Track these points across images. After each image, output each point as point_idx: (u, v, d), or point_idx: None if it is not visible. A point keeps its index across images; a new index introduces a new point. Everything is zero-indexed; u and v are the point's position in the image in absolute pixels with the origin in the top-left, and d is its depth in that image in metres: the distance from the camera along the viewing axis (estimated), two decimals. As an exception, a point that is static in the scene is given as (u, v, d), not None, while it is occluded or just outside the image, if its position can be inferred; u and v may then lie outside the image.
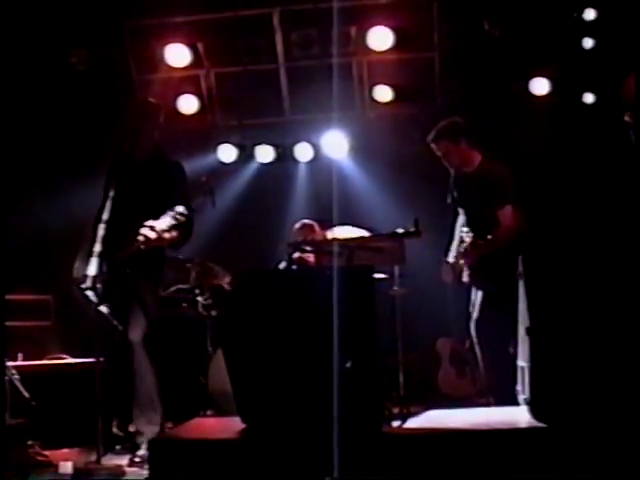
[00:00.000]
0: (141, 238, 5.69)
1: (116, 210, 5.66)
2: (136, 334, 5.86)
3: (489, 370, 6.43)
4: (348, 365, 4.50)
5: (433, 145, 6.62)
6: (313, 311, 4.53)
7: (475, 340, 6.52)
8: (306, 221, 8.22)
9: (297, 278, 5.20)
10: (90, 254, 5.49)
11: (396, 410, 5.68)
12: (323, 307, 4.40)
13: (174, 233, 5.78)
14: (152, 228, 5.68)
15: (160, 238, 5.72)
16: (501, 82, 8.76)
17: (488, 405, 6.41)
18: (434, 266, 8.12)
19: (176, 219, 5.74)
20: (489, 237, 6.38)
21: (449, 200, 6.77)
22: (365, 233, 6.36)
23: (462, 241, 6.65)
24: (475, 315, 6.50)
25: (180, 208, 5.77)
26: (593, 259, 4.86)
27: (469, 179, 6.57)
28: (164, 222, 5.72)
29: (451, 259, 6.80)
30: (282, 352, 4.72)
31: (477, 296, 6.53)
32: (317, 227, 8.06)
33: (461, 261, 6.64)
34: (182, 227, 5.81)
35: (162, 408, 5.95)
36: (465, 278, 6.63)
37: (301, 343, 4.66)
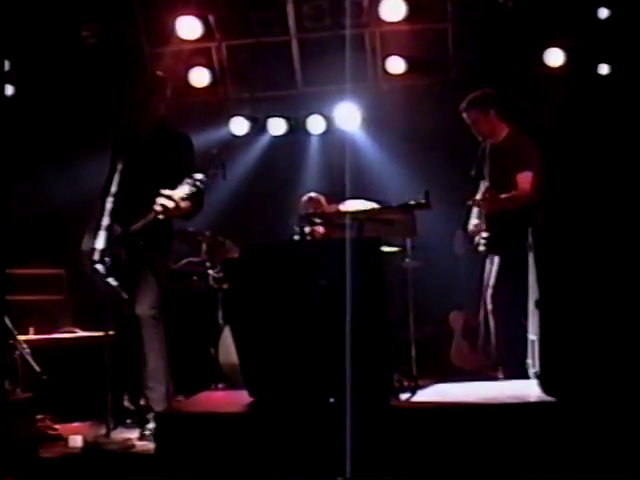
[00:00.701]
0: (159, 208, 5.68)
1: (124, 183, 5.63)
2: (144, 308, 5.85)
3: (502, 340, 6.43)
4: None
5: (464, 114, 6.77)
6: (320, 283, 4.50)
7: (490, 308, 6.52)
8: (312, 194, 8.19)
9: (304, 250, 5.18)
10: (98, 227, 5.48)
11: (407, 383, 5.67)
12: (331, 279, 4.38)
13: (188, 203, 5.76)
14: (170, 197, 5.65)
15: (178, 207, 5.69)
16: (515, 53, 8.67)
17: (500, 378, 6.39)
18: (447, 239, 8.11)
19: (195, 186, 5.70)
20: (506, 195, 6.45)
21: (473, 172, 6.83)
22: (374, 205, 6.34)
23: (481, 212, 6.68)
24: (492, 282, 6.50)
25: (199, 175, 5.73)
26: (603, 232, 4.81)
27: (495, 149, 6.69)
28: (182, 190, 5.67)
29: (471, 227, 6.76)
30: (289, 325, 4.72)
31: (493, 264, 6.56)
32: (324, 200, 8.04)
33: (478, 228, 6.63)
34: (196, 197, 5.78)
35: (173, 382, 5.95)
36: (481, 248, 6.60)
37: (309, 316, 4.64)
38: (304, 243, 6.27)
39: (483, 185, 6.72)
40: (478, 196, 6.64)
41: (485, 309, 6.66)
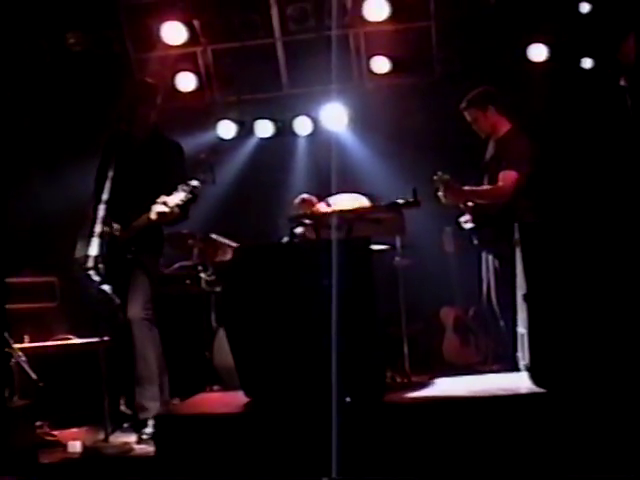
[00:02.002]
0: (153, 215, 5.74)
1: (115, 190, 5.67)
2: (136, 309, 5.91)
3: (503, 336, 6.45)
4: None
5: (464, 113, 6.80)
6: (312, 284, 4.55)
7: (496, 306, 6.55)
8: (305, 196, 8.25)
9: (295, 252, 5.23)
10: (91, 234, 5.52)
11: (400, 379, 5.73)
12: (322, 280, 4.42)
13: (179, 210, 5.81)
14: (165, 203, 5.71)
15: (172, 213, 5.76)
16: (499, 50, 8.73)
17: (493, 372, 6.45)
18: (435, 236, 8.19)
19: (191, 193, 5.77)
20: (473, 187, 6.54)
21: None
22: (363, 199, 6.39)
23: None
24: (492, 283, 6.54)
25: (194, 182, 5.79)
26: (589, 225, 4.88)
27: (493, 146, 6.74)
28: (178, 197, 5.74)
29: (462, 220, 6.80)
30: (283, 325, 4.77)
31: (489, 262, 6.58)
32: (315, 201, 8.09)
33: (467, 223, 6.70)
34: (187, 204, 5.84)
35: (168, 384, 6.00)
36: (475, 242, 6.66)
37: (301, 316, 4.69)
38: (295, 244, 6.33)
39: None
40: (440, 175, 6.58)
41: (485, 305, 6.69)
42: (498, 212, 6.30)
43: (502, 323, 6.39)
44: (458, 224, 6.80)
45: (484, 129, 6.77)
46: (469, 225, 6.62)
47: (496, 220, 6.29)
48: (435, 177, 6.52)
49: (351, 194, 6.46)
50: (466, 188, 6.54)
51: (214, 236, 7.81)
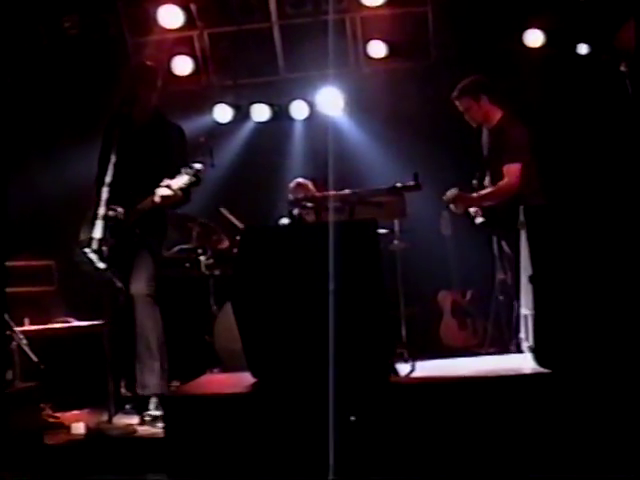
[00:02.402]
0: (157, 199, 5.76)
1: (118, 173, 5.67)
2: (139, 286, 5.97)
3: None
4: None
5: (456, 102, 6.80)
6: (319, 266, 4.56)
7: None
8: (300, 180, 8.29)
9: (303, 233, 5.25)
10: (95, 217, 5.53)
11: (400, 361, 5.75)
12: (329, 261, 4.44)
13: (181, 193, 5.84)
14: (169, 186, 5.73)
15: (176, 196, 5.78)
16: (495, 35, 8.74)
17: (491, 354, 6.51)
18: (433, 220, 8.22)
19: (195, 176, 5.78)
20: (481, 192, 6.60)
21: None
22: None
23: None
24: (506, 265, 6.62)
25: (197, 165, 5.81)
26: (593, 207, 4.93)
27: (488, 135, 6.76)
28: (181, 180, 5.77)
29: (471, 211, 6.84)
30: (290, 306, 4.80)
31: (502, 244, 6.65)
32: (311, 185, 8.13)
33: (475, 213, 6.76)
34: (190, 187, 5.85)
35: (167, 362, 6.04)
36: (478, 220, 6.73)
37: (309, 297, 4.72)
38: (302, 226, 6.35)
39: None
40: (449, 194, 6.68)
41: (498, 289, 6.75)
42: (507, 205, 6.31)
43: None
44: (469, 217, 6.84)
45: (476, 118, 6.76)
46: (479, 219, 6.68)
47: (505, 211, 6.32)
48: (445, 197, 6.66)
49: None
50: (475, 195, 6.62)
51: (223, 210, 7.86)
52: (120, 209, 5.83)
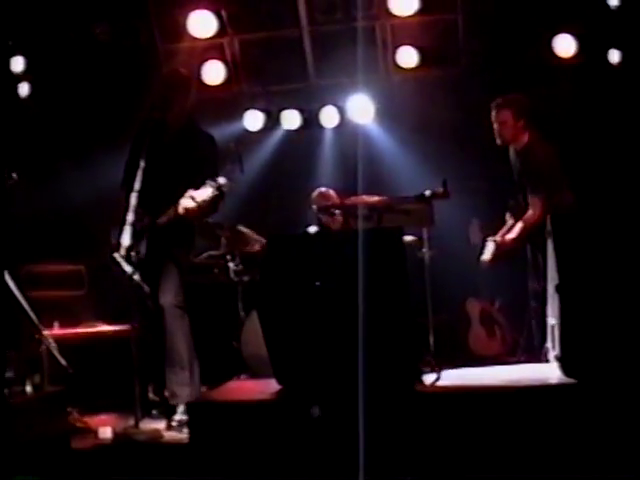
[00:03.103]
0: (181, 210, 5.77)
1: (147, 179, 5.69)
2: (168, 297, 5.96)
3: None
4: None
5: (494, 111, 6.73)
6: (345, 273, 4.58)
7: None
8: (323, 189, 8.31)
9: (329, 241, 5.26)
10: (123, 223, 5.56)
11: (427, 369, 5.74)
12: (355, 269, 4.45)
13: (207, 205, 5.83)
14: (193, 198, 5.73)
15: (199, 208, 5.78)
16: (525, 42, 8.70)
17: (520, 364, 6.48)
18: (461, 227, 8.21)
19: (219, 190, 5.77)
20: (511, 235, 6.67)
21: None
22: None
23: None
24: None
25: (222, 180, 5.79)
26: (620, 216, 4.90)
27: (515, 156, 6.73)
28: (205, 193, 5.71)
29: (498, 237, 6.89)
30: (316, 314, 4.80)
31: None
32: (333, 194, 8.13)
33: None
34: (216, 200, 5.86)
35: (199, 370, 6.05)
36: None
37: (334, 305, 4.72)
38: (328, 234, 6.37)
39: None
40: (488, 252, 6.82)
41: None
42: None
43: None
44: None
45: (506, 136, 6.70)
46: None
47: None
48: (485, 258, 6.84)
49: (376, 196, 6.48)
50: (508, 239, 6.70)
51: (241, 227, 7.87)
52: (148, 215, 5.85)
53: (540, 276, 6.58)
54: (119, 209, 5.79)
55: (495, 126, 6.73)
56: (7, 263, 5.69)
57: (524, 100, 6.75)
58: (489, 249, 6.81)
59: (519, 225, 6.61)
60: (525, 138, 6.65)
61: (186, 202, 5.74)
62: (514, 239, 6.65)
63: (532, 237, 6.51)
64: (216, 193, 5.74)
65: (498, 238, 6.80)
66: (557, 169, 6.54)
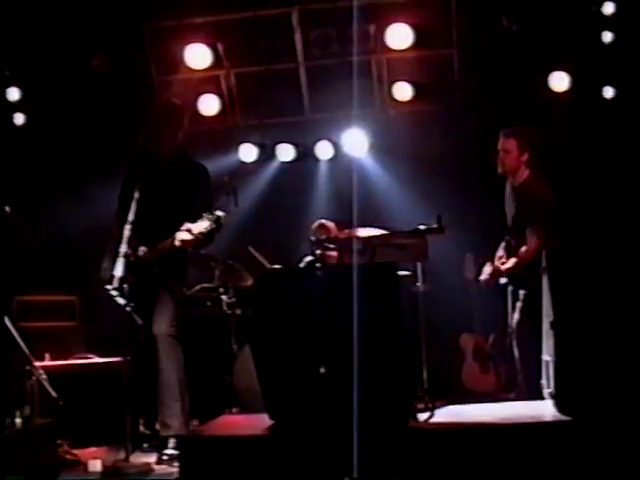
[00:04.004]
0: (177, 242, 5.76)
1: (141, 211, 5.69)
2: (162, 326, 5.95)
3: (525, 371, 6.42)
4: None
5: (503, 138, 6.64)
6: (338, 308, 4.55)
7: (514, 342, 6.55)
8: (323, 221, 8.28)
9: (323, 275, 5.23)
10: (116, 254, 5.55)
11: (421, 406, 5.71)
12: (348, 304, 4.43)
13: (203, 237, 5.82)
14: (189, 231, 5.72)
15: (196, 240, 5.76)
16: (520, 78, 8.75)
17: (513, 400, 6.44)
18: (456, 262, 8.19)
19: (216, 222, 5.76)
20: (507, 265, 6.60)
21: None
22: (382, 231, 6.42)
23: (508, 245, 6.76)
24: (516, 317, 6.54)
25: (219, 212, 5.79)
26: (616, 253, 4.89)
27: (511, 191, 6.66)
28: (202, 225, 5.72)
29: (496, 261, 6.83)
30: (308, 349, 4.77)
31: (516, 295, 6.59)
32: (333, 226, 8.12)
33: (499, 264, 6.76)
34: (212, 232, 5.85)
35: (189, 402, 6.01)
36: (502, 280, 6.71)
37: (326, 340, 4.70)
38: (321, 268, 6.34)
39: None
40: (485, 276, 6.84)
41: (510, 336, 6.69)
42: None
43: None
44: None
45: (508, 165, 6.61)
46: (503, 280, 6.69)
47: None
48: (482, 280, 6.86)
49: (372, 228, 6.46)
50: (504, 268, 6.64)
51: (251, 249, 7.86)
52: (142, 248, 5.83)
53: (518, 312, 6.55)
54: (112, 240, 5.79)
55: (500, 154, 6.64)
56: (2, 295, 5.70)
57: (534, 134, 6.69)
58: (486, 270, 6.80)
59: (513, 260, 6.57)
60: (525, 174, 6.57)
61: (183, 235, 5.74)
62: (509, 269, 6.59)
63: (524, 273, 6.47)
64: (213, 226, 5.74)
65: (496, 263, 6.76)
66: (553, 211, 6.49)
